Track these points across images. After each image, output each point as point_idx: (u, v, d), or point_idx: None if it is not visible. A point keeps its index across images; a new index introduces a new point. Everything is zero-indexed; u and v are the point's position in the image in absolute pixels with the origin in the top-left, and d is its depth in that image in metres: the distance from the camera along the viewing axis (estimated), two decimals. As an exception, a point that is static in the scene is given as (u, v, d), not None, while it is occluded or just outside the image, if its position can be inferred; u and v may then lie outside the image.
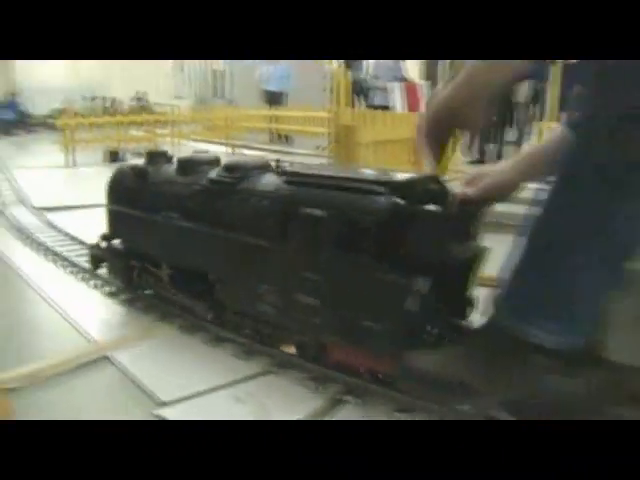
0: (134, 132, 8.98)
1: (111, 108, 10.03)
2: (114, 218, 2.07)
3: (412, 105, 7.29)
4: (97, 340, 1.82)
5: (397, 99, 7.47)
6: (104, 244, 2.13)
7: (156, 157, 2.01)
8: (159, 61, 17.65)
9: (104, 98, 15.26)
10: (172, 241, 1.80)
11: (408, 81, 7.95)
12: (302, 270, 1.43)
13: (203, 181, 1.73)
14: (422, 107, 7.12)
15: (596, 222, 1.06)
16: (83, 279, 2.39)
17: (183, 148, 7.93)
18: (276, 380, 1.57)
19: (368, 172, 1.49)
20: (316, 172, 1.51)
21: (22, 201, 4.36)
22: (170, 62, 18.17)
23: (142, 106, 10.44)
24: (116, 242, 2.09)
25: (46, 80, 16.36)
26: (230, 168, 1.69)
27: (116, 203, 2.05)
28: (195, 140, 8.86)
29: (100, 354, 1.72)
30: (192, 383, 1.55)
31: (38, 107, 15.15)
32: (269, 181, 1.59)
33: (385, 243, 1.31)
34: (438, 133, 1.29)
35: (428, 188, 1.35)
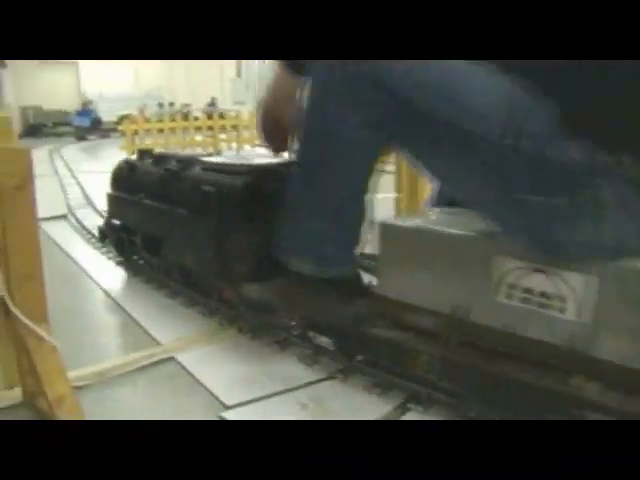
0: (198, 137, 9.16)
1: (182, 114, 10.24)
2: (112, 201, 2.58)
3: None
4: (163, 342, 1.85)
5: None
6: (108, 222, 2.66)
7: (145, 154, 2.47)
8: (222, 68, 18.00)
9: (171, 104, 15.73)
10: (142, 215, 2.31)
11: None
12: (201, 231, 1.88)
13: (162, 171, 2.18)
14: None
15: (310, 179, 1.45)
16: (148, 281, 2.44)
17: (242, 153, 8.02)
18: (341, 386, 1.55)
19: (249, 159, 2.00)
20: (215, 161, 2.02)
21: (88, 204, 4.50)
22: (234, 69, 18.47)
23: (213, 112, 10.67)
24: (114, 220, 2.59)
25: (114, 89, 17.04)
26: (179, 161, 2.16)
27: (113, 190, 2.55)
28: (256, 145, 8.92)
29: (166, 355, 1.74)
30: (255, 387, 1.55)
31: (110, 114, 16.02)
32: (196, 169, 2.03)
33: (242, 209, 1.73)
34: (269, 130, 1.59)
35: (280, 171, 1.73)
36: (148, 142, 8.24)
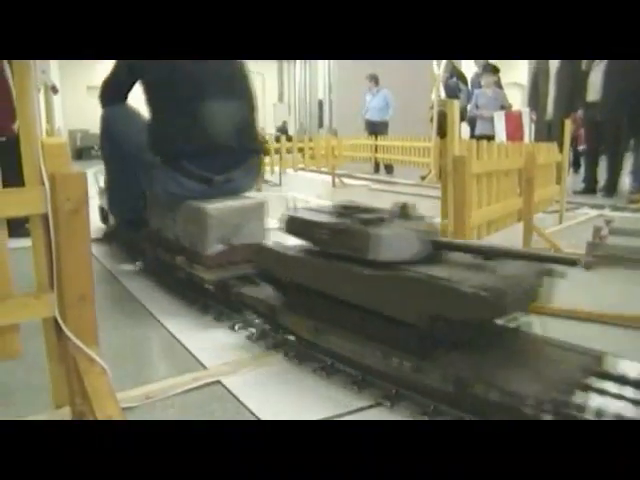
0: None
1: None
2: (100, 192, 3.80)
3: (512, 134, 7.01)
4: (209, 365, 1.86)
5: (498, 128, 7.27)
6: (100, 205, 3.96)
7: None
8: (265, 91, 18.21)
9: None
10: (104, 197, 3.53)
11: (510, 109, 7.75)
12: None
13: None
14: (525, 135, 6.87)
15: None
16: (203, 310, 2.45)
17: (285, 177, 8.09)
18: (388, 413, 1.53)
19: None
20: None
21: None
22: (275, 92, 18.68)
23: (284, 135, 10.73)
24: (101, 203, 3.85)
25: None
26: None
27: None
28: (298, 169, 8.95)
29: (212, 379, 1.74)
30: (303, 413, 1.54)
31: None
32: None
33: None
34: None
35: None
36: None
